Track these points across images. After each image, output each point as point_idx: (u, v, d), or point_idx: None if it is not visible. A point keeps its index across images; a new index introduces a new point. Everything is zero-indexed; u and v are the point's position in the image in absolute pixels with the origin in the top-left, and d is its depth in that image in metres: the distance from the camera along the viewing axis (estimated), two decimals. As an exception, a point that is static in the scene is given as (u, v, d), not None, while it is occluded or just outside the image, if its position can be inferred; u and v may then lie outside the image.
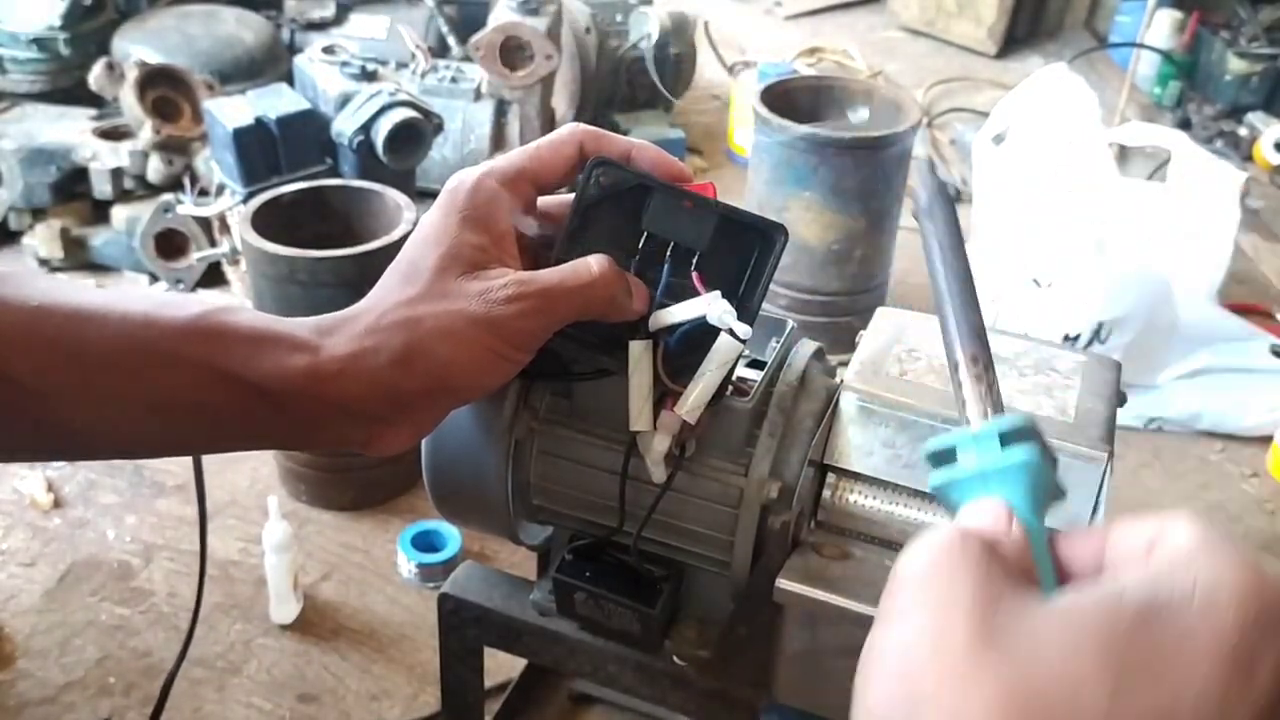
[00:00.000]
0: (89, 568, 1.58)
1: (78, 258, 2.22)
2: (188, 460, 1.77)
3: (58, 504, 1.68)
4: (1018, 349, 1.04)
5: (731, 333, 0.91)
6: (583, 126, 0.81)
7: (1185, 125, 2.93)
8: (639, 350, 0.91)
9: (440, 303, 0.68)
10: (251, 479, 1.74)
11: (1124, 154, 2.33)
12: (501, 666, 1.34)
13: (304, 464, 1.66)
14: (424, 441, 1.02)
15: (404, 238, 1.56)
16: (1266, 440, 1.88)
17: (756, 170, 1.98)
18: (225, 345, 0.61)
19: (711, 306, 0.90)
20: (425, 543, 1.59)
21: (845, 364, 1.06)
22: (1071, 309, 1.85)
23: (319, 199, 1.65)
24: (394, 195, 1.62)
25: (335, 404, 0.65)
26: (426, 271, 0.70)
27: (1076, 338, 1.86)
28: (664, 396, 0.92)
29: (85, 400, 0.59)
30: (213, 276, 2.17)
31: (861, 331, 1.08)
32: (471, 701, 1.15)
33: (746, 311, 0.94)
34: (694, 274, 0.94)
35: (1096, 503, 0.91)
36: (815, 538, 0.96)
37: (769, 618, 0.95)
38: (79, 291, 0.60)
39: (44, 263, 2.21)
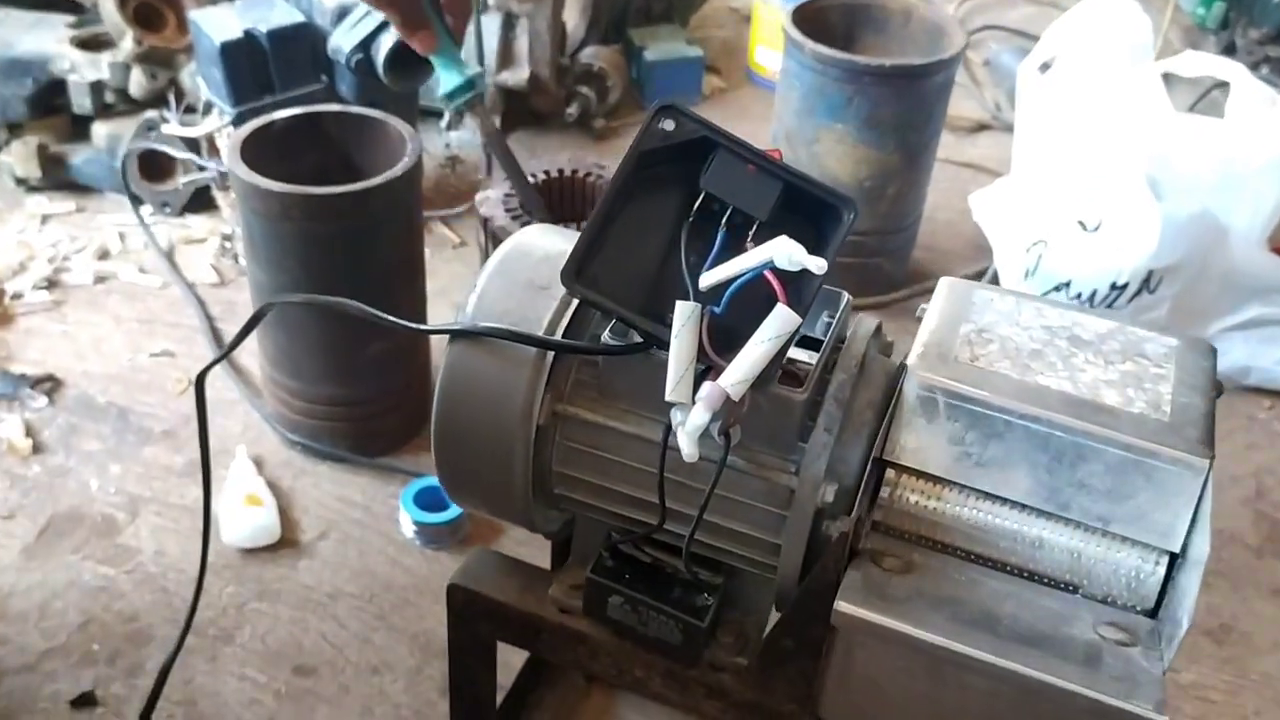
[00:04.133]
0: (70, 522, 1.48)
1: (56, 176, 2.08)
2: (176, 405, 1.67)
3: (36, 450, 1.58)
4: (1101, 330, 0.92)
5: (794, 289, 0.80)
6: None
7: (1230, 50, 2.77)
8: (686, 311, 0.80)
9: None
10: (244, 424, 1.64)
11: (1166, 81, 2.18)
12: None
13: (299, 411, 1.55)
14: (434, 422, 0.91)
15: (407, 173, 1.44)
16: (1319, 397, 1.77)
17: (785, 98, 1.84)
18: None
19: (779, 248, 0.79)
20: (430, 500, 1.49)
21: (881, 308, 0.93)
22: (1120, 255, 1.73)
23: (314, 126, 1.52)
24: (396, 125, 1.48)
25: None
26: None
27: (1124, 287, 1.74)
28: (707, 372, 0.82)
29: None
30: (201, 200, 2.04)
31: (923, 305, 0.96)
32: (484, 696, 1.06)
33: (805, 293, 0.82)
34: (749, 244, 0.83)
35: (1196, 516, 0.81)
36: (872, 542, 0.86)
37: (819, 632, 0.85)
38: None
39: (21, 181, 2.07)
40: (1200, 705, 1.33)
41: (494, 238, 1.53)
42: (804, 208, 0.85)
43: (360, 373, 1.51)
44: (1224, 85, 1.99)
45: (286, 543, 1.47)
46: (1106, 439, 0.82)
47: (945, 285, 0.96)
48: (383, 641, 1.36)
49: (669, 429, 0.83)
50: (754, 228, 0.83)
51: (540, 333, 0.88)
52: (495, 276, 0.91)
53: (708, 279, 0.81)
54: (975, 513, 0.86)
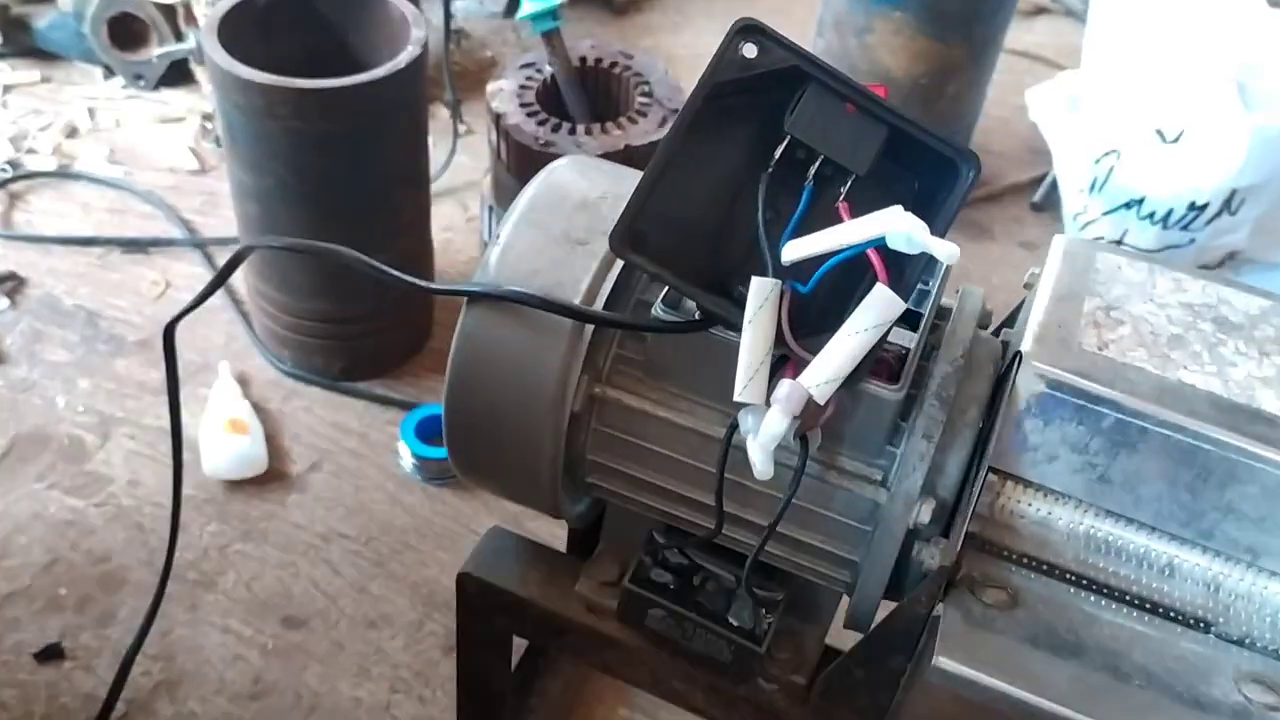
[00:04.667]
0: (35, 444, 1.34)
1: (20, 42, 1.87)
2: (151, 311, 1.51)
3: (-2, 359, 1.43)
4: (1252, 310, 0.76)
5: (897, 264, 0.65)
6: None
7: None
8: (764, 290, 0.65)
9: None
10: (228, 336, 1.48)
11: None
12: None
13: (288, 327, 1.40)
14: (447, 397, 0.76)
15: (412, 65, 1.25)
16: (1404, 335, 1.62)
17: (835, -22, 1.64)
18: None
19: (895, 222, 0.63)
20: (432, 430, 1.35)
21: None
22: (1202, 171, 1.56)
23: (304, 3, 1.32)
24: (399, 3, 1.29)
25: None
26: None
27: (1204, 207, 1.57)
28: (783, 362, 0.67)
29: None
30: (180, 73, 1.84)
31: (1033, 270, 0.80)
32: (496, 690, 0.94)
33: (908, 270, 0.67)
34: (841, 204, 0.67)
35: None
36: (968, 561, 0.72)
37: (895, 667, 0.72)
38: None
39: (-21, 46, 1.87)
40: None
41: (507, 136, 1.35)
42: (906, 157, 0.68)
43: (355, 287, 1.35)
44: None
45: (274, 475, 1.33)
46: (1264, 457, 0.67)
47: (1061, 246, 0.80)
48: (380, 591, 1.24)
49: (732, 427, 0.68)
50: (848, 182, 0.67)
51: (578, 299, 0.72)
52: (523, 226, 0.75)
53: (793, 251, 0.65)
54: (1095, 533, 0.72)
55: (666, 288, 0.71)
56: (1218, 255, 1.64)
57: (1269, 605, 0.70)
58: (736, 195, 0.69)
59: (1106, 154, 1.64)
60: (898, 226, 0.61)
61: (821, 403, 0.65)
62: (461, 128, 1.80)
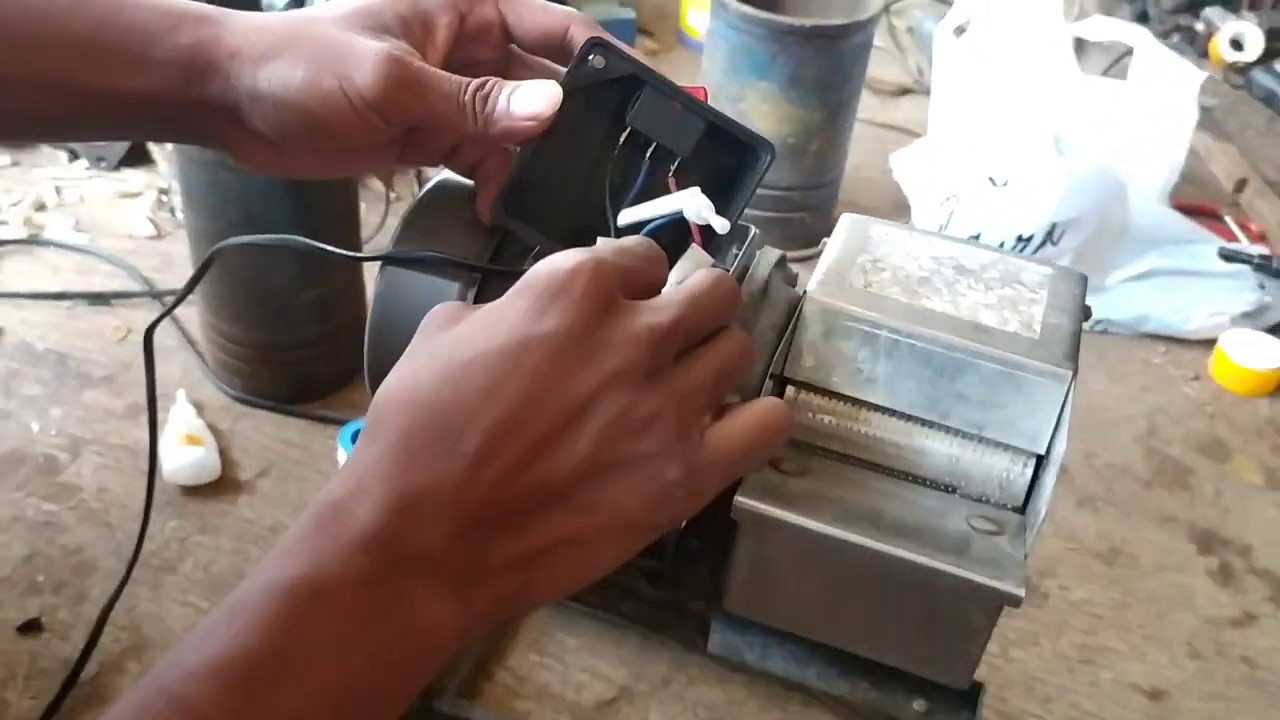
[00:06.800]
0: (13, 462, 1.52)
1: (-8, 131, 2.09)
2: (114, 352, 1.71)
3: (-22, 394, 1.61)
4: (984, 260, 1.01)
5: (709, 229, 0.88)
6: None
7: (1143, 18, 2.88)
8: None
9: (329, 35, 0.76)
10: (184, 370, 1.68)
11: (1081, 47, 2.29)
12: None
13: (238, 356, 1.60)
14: (368, 336, 0.97)
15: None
16: (1209, 344, 1.89)
17: (711, 57, 1.91)
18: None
19: (690, 201, 0.86)
20: (366, 439, 1.55)
21: (804, 261, 1.02)
22: (1026, 209, 1.83)
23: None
24: (331, 76, 1.53)
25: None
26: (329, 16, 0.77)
27: (1029, 239, 1.84)
28: None
29: None
30: (138, 154, 2.07)
31: (825, 239, 1.04)
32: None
33: (719, 239, 0.90)
34: (670, 178, 0.90)
35: (1059, 420, 0.90)
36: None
37: (723, 531, 0.93)
38: None
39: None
40: (1090, 619, 1.44)
41: (428, 188, 1.58)
42: (726, 146, 0.92)
43: (299, 320, 1.56)
44: (1134, 51, 2.09)
45: (227, 481, 1.51)
46: (982, 354, 0.90)
47: (846, 220, 1.04)
48: (322, 571, 1.42)
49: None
50: (675, 162, 0.90)
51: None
52: (421, 210, 0.97)
53: (625, 217, 0.88)
54: (866, 424, 0.94)
55: (537, 248, 0.93)
56: (1048, 282, 1.91)
57: (996, 469, 0.92)
58: (593, 171, 0.92)
59: (949, 199, 1.91)
60: (689, 204, 0.84)
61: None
62: (392, 195, 2.03)
